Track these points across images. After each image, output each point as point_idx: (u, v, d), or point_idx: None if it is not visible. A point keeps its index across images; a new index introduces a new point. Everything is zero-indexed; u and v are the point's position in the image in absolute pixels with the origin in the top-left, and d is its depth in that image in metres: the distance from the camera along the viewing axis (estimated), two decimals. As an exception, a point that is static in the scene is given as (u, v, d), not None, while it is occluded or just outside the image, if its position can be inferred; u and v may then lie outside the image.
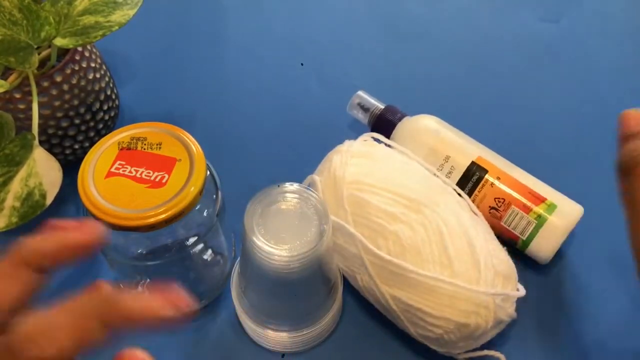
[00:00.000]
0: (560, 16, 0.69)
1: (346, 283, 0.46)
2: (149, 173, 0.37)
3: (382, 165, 0.45)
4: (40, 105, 0.47)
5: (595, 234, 0.51)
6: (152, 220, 0.35)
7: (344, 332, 0.46)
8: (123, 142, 0.38)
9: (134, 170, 0.37)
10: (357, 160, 0.45)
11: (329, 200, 0.44)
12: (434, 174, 0.48)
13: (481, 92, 0.62)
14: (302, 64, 0.64)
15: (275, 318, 0.42)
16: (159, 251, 0.40)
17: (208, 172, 0.39)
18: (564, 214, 0.47)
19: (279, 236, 0.37)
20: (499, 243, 0.44)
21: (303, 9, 0.70)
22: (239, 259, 0.43)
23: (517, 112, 0.60)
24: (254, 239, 0.36)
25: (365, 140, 0.48)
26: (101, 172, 0.37)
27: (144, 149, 0.38)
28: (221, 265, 0.47)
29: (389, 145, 0.49)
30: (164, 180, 0.36)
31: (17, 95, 0.47)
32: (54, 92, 0.48)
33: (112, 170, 0.37)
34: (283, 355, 0.45)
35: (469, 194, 0.48)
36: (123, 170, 0.37)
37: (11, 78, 0.46)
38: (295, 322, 0.42)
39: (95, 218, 0.35)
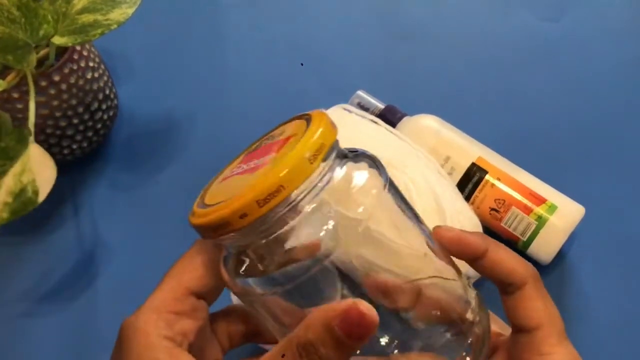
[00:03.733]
0: (561, 15, 0.69)
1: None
2: (258, 162, 0.29)
3: (352, 129, 0.46)
4: (38, 104, 0.47)
5: (597, 234, 0.50)
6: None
7: (344, 332, 0.46)
8: (251, 147, 0.33)
9: (246, 165, 0.30)
10: None
11: None
12: (401, 139, 0.47)
13: (481, 91, 0.62)
14: (302, 64, 0.64)
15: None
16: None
17: None
18: (564, 214, 0.46)
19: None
20: (465, 202, 0.45)
21: (303, 8, 0.70)
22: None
23: (517, 111, 0.60)
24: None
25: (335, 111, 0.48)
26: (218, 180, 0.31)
27: (265, 143, 0.31)
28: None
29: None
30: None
31: (15, 95, 0.47)
32: (52, 91, 0.48)
33: (227, 174, 0.31)
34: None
35: (470, 195, 0.48)
36: (237, 171, 0.30)
37: (9, 77, 0.46)
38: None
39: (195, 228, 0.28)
